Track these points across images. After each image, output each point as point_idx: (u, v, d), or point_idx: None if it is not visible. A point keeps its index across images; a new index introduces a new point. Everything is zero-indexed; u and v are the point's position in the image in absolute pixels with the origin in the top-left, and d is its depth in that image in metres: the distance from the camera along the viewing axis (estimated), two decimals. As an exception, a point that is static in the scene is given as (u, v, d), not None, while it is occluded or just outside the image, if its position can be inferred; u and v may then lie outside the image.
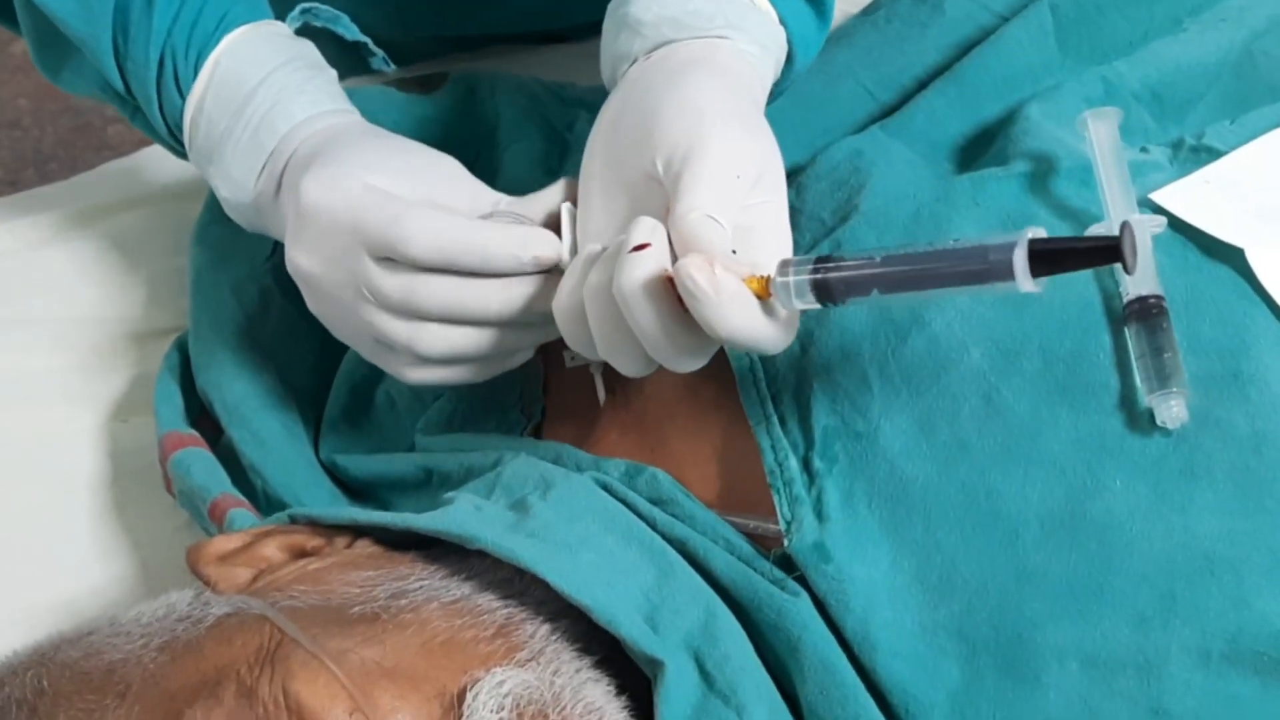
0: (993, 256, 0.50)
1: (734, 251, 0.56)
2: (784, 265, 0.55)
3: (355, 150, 0.65)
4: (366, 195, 0.62)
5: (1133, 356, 0.58)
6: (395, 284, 0.61)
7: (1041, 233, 0.51)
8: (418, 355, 0.63)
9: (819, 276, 0.54)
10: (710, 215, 0.55)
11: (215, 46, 0.68)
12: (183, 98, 0.69)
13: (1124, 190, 0.62)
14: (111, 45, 0.70)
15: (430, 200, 0.63)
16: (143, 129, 0.75)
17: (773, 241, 0.58)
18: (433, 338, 0.63)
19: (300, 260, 0.65)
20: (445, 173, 0.66)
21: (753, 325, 0.55)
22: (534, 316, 0.62)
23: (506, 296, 0.62)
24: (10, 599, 0.74)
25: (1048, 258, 0.50)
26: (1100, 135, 0.64)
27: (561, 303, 0.59)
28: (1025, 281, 0.50)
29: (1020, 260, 0.50)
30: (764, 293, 0.55)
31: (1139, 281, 0.59)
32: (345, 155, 0.64)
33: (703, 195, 0.56)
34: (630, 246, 0.55)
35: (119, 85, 0.71)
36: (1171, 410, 0.56)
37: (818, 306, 0.55)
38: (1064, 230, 0.63)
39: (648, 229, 0.56)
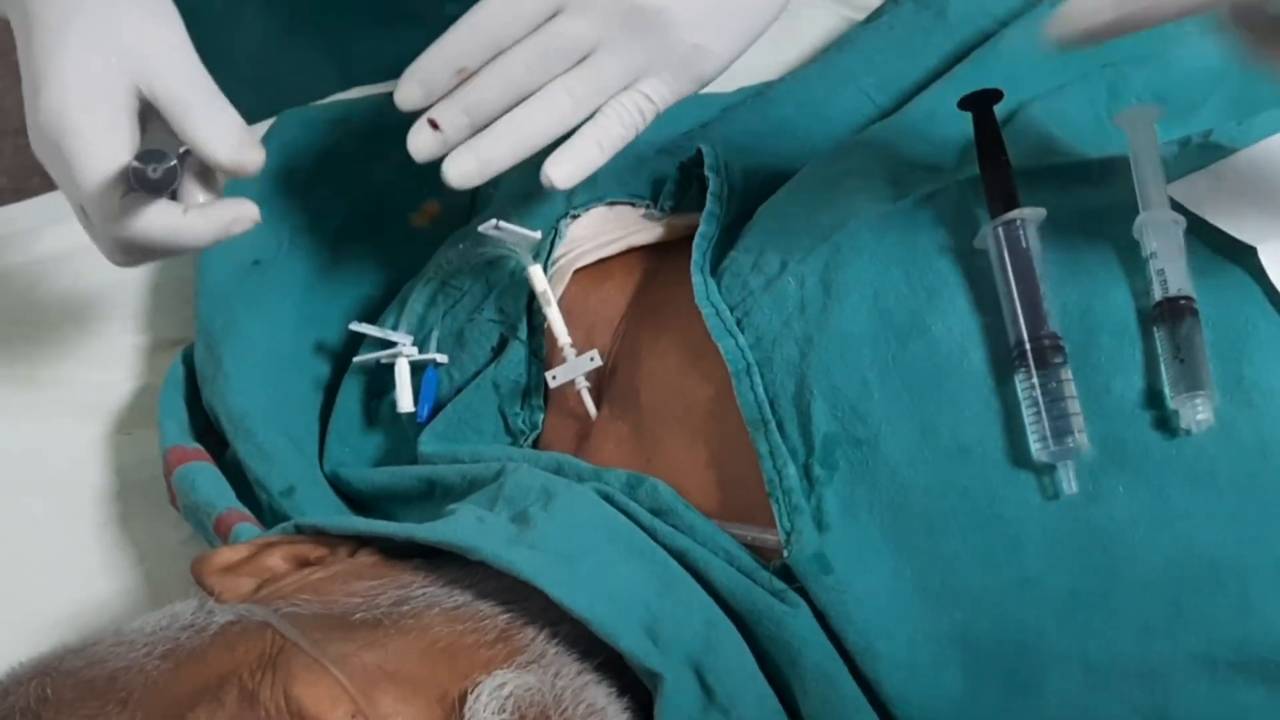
0: None
1: None
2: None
3: (72, 49, 0.63)
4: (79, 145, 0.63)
5: (1161, 358, 0.57)
6: None
7: None
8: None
9: None
10: None
11: None
12: None
13: (1157, 188, 0.61)
14: None
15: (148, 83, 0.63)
16: None
17: None
18: None
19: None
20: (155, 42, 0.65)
21: None
22: None
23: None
24: (15, 611, 0.74)
25: None
26: (1138, 130, 0.63)
27: None
28: None
29: None
30: None
31: (1172, 281, 0.58)
32: (60, 57, 0.63)
33: None
34: None
35: None
36: (1198, 414, 0.56)
37: None
38: (1079, 223, 0.62)
39: None
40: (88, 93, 0.62)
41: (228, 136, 0.64)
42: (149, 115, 0.64)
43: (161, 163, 0.61)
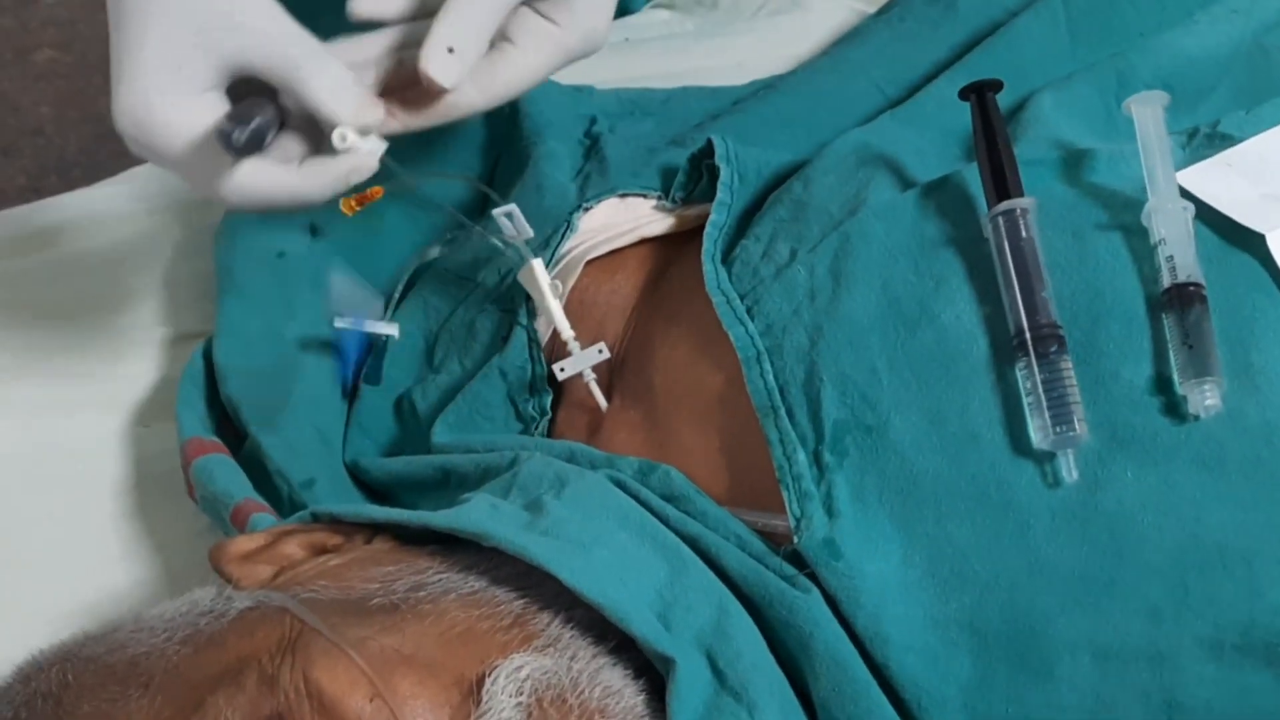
0: None
1: None
2: None
3: (156, 26, 0.62)
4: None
5: (1169, 344, 0.57)
6: None
7: None
8: None
9: None
10: None
11: None
12: None
13: (1166, 175, 0.62)
14: None
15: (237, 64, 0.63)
16: None
17: None
18: None
19: None
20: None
21: None
22: None
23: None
24: (34, 602, 0.74)
25: None
26: (1145, 117, 0.63)
27: None
28: None
29: None
30: None
31: (1181, 268, 0.58)
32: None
33: None
34: None
35: None
36: (1206, 400, 0.56)
37: None
38: (1087, 212, 0.62)
39: None
40: (172, 73, 0.62)
41: (345, 95, 0.63)
42: (252, 86, 0.64)
43: (246, 124, 0.60)
